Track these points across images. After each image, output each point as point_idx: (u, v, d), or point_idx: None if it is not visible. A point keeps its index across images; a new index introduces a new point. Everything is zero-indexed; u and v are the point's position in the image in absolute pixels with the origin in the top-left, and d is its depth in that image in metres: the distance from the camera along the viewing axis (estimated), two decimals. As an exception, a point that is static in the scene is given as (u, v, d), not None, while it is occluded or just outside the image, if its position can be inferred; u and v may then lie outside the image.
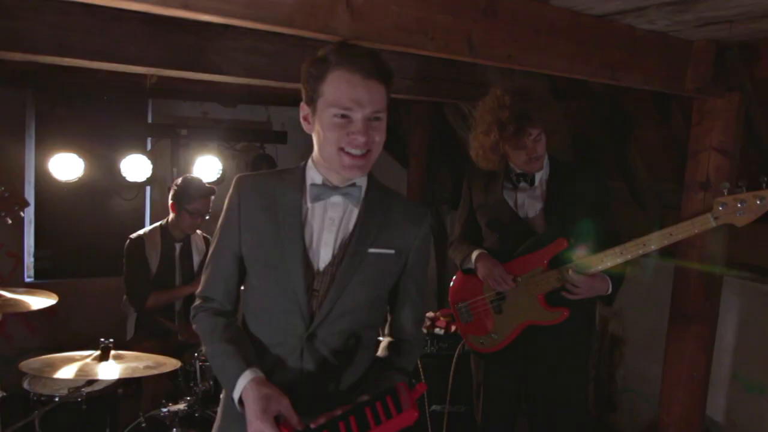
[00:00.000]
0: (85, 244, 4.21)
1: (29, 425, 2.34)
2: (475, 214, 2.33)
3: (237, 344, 1.38)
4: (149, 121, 4.19)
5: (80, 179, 3.57)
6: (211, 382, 2.57)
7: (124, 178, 3.64)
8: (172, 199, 3.15)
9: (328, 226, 1.39)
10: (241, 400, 1.30)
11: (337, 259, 1.38)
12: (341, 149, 1.31)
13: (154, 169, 3.71)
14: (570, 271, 2.04)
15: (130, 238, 3.17)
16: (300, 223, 1.38)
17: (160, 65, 2.27)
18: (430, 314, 3.01)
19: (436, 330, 2.95)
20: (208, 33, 2.30)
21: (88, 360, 2.30)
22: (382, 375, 1.44)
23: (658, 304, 2.88)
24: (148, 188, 4.21)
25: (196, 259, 3.31)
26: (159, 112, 4.23)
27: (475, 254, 2.22)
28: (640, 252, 1.99)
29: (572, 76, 1.82)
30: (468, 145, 4.16)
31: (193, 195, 3.10)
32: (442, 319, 2.97)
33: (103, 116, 3.88)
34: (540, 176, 2.20)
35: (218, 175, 3.91)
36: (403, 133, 4.59)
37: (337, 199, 1.39)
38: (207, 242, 3.40)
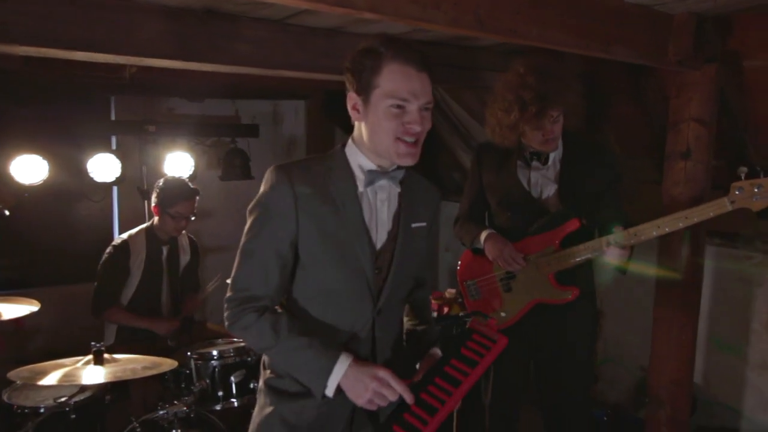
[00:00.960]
0: (51, 250, 3.99)
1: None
2: (483, 192, 2.33)
3: (312, 335, 1.40)
4: (112, 118, 4.02)
5: (45, 182, 3.38)
6: (208, 381, 2.50)
7: (91, 178, 3.48)
8: (154, 202, 3.04)
9: (381, 207, 1.47)
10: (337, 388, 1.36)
11: (391, 237, 1.48)
12: (398, 138, 1.37)
13: (122, 169, 3.57)
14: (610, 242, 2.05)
15: (114, 245, 3.04)
16: (359, 206, 1.44)
17: (141, 54, 2.19)
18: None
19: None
20: (191, 19, 2.22)
21: (79, 366, 2.20)
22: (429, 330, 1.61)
23: (631, 276, 2.98)
24: (115, 189, 4.04)
25: (183, 262, 3.21)
26: (122, 110, 4.06)
27: (484, 234, 2.23)
28: (654, 234, 2.01)
29: (570, 50, 1.85)
30: (441, 130, 4.23)
31: (174, 198, 2.99)
32: (434, 301, 2.99)
33: (64, 115, 3.69)
34: (554, 155, 2.21)
35: (191, 172, 3.79)
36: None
37: (384, 182, 1.46)
38: (193, 244, 3.31)
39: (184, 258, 3.23)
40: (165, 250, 3.13)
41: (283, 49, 2.41)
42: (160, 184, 3.05)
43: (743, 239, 3.05)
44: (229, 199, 4.21)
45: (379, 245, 1.46)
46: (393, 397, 1.33)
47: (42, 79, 3.34)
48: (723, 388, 3.17)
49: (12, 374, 2.11)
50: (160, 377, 2.69)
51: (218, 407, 2.49)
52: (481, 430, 2.51)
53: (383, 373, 1.34)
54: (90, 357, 2.19)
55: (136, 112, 4.09)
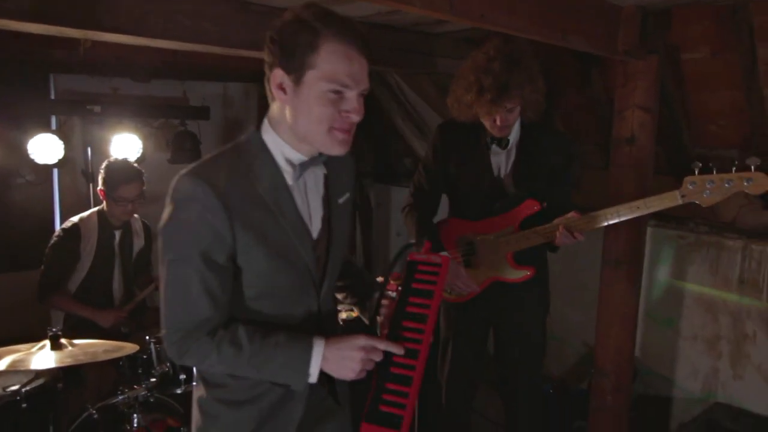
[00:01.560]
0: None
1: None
2: (443, 170, 2.35)
3: (272, 333, 1.29)
4: (52, 98, 3.82)
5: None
6: (168, 365, 2.46)
7: (32, 160, 3.31)
8: (100, 186, 2.95)
9: (312, 196, 1.38)
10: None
11: (325, 222, 1.40)
12: (332, 128, 1.25)
13: (65, 150, 3.41)
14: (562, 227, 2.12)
15: (63, 227, 2.92)
16: (293, 202, 1.32)
17: (98, 28, 2.11)
18: (379, 279, 3.06)
19: (388, 293, 3.01)
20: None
21: (33, 350, 2.11)
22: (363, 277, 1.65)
23: (572, 257, 3.14)
24: (56, 172, 3.85)
25: (136, 247, 3.12)
26: (63, 89, 3.87)
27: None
28: (609, 221, 2.10)
29: (532, 37, 1.94)
30: (394, 116, 4.28)
31: (117, 181, 2.89)
32: (392, 282, 3.04)
33: (2, 93, 3.48)
34: (513, 139, 2.26)
35: (138, 154, 3.67)
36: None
37: (312, 169, 1.35)
38: (146, 228, 3.21)
39: (138, 243, 3.15)
40: (118, 234, 3.04)
41: (246, 28, 2.38)
42: (104, 166, 2.95)
43: (676, 221, 3.28)
44: (177, 182, 4.10)
45: (315, 234, 1.38)
46: (379, 358, 1.29)
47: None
48: (658, 359, 3.41)
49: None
50: (115, 363, 2.63)
51: (179, 390, 2.46)
52: (438, 405, 2.60)
53: (363, 341, 1.28)
54: (45, 342, 2.11)
55: (76, 92, 3.90)
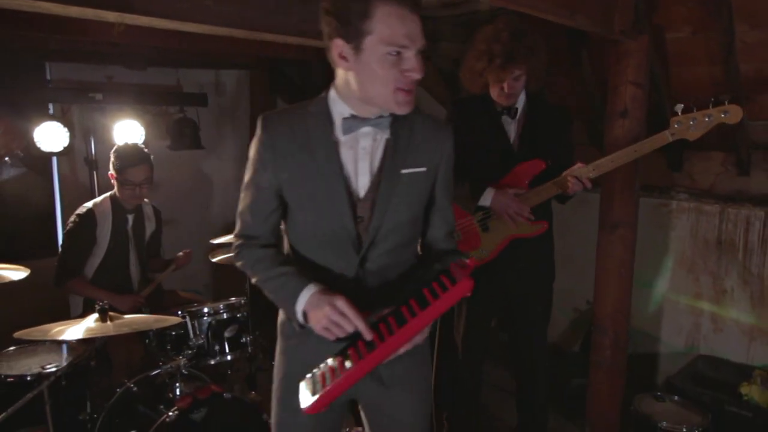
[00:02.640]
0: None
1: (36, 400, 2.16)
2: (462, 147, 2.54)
3: (293, 267, 1.44)
4: (49, 86, 3.81)
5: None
6: (203, 338, 2.56)
7: (38, 148, 3.31)
8: (111, 171, 3.01)
9: (362, 155, 1.43)
10: (304, 314, 1.38)
11: (374, 185, 1.44)
12: (398, 88, 1.32)
13: (69, 138, 3.42)
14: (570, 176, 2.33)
15: (78, 213, 2.96)
16: (336, 154, 1.41)
17: (131, 11, 2.18)
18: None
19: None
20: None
21: (88, 323, 2.19)
22: (426, 271, 1.53)
23: (565, 229, 3.35)
24: (54, 160, 3.85)
25: (149, 231, 3.18)
26: (58, 78, 3.86)
27: (490, 192, 2.40)
28: (611, 167, 2.33)
29: (545, 16, 2.11)
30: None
31: (124, 164, 2.96)
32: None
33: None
34: (520, 109, 2.47)
35: (141, 141, 3.70)
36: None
37: (367, 129, 1.42)
38: (157, 212, 3.27)
39: (150, 227, 3.21)
40: (131, 218, 3.09)
41: (270, 11, 2.48)
42: (113, 150, 3.01)
43: (659, 190, 3.55)
44: (177, 169, 4.15)
45: (362, 193, 1.43)
46: (350, 328, 1.32)
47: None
48: (645, 319, 3.68)
49: (20, 333, 2.07)
50: (142, 342, 2.72)
51: (213, 362, 2.56)
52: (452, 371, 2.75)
53: (340, 303, 1.32)
54: (95, 316, 2.19)
55: (72, 80, 3.90)
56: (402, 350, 1.33)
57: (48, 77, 3.81)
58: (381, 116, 1.42)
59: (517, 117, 2.48)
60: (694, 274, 3.45)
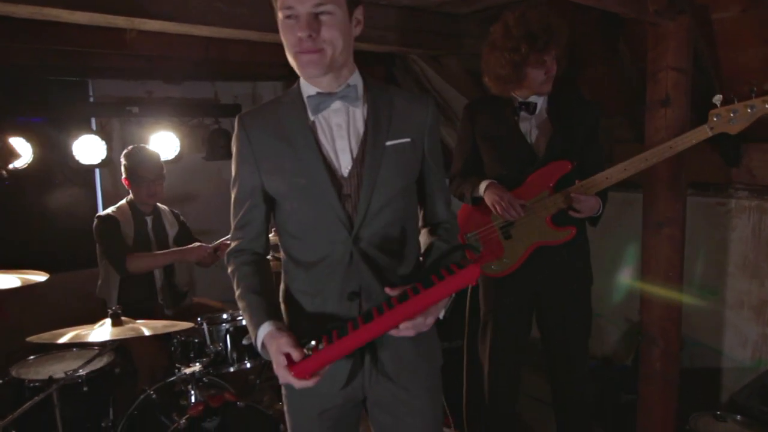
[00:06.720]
0: (30, 238, 3.89)
1: (45, 405, 2.18)
2: (477, 149, 2.40)
3: (259, 294, 1.44)
4: (91, 101, 3.97)
5: (29, 165, 3.32)
6: (221, 344, 2.52)
7: (77, 161, 3.43)
8: (123, 174, 3.05)
9: (338, 132, 1.41)
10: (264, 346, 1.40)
11: (358, 160, 1.41)
12: (297, 53, 1.32)
13: (107, 150, 3.53)
14: (574, 192, 2.18)
15: (99, 217, 3.01)
16: (312, 136, 1.40)
17: (142, 15, 2.20)
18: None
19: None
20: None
21: (97, 328, 2.19)
22: (441, 254, 1.48)
23: (608, 236, 3.11)
24: (97, 172, 3.98)
25: (171, 234, 3.20)
26: (101, 94, 4.01)
27: (484, 184, 2.29)
28: (643, 166, 2.14)
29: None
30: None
31: (135, 162, 3.01)
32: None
33: (45, 97, 3.62)
34: (540, 104, 2.32)
35: (176, 152, 3.78)
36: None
37: (337, 104, 1.40)
38: (176, 215, 3.30)
39: (173, 230, 3.22)
40: (149, 221, 3.13)
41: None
42: (122, 155, 3.06)
43: (714, 187, 3.24)
44: (213, 180, 4.21)
45: (345, 171, 1.40)
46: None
47: (21, 61, 3.27)
48: (704, 330, 3.36)
49: (33, 338, 2.10)
50: (167, 348, 2.70)
51: (232, 369, 2.51)
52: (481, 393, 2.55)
53: (281, 369, 1.31)
54: (107, 321, 2.19)
55: (114, 96, 4.04)
56: (404, 330, 1.31)
57: (90, 93, 3.96)
58: (348, 85, 1.41)
59: (537, 112, 2.33)
60: (758, 279, 3.11)
